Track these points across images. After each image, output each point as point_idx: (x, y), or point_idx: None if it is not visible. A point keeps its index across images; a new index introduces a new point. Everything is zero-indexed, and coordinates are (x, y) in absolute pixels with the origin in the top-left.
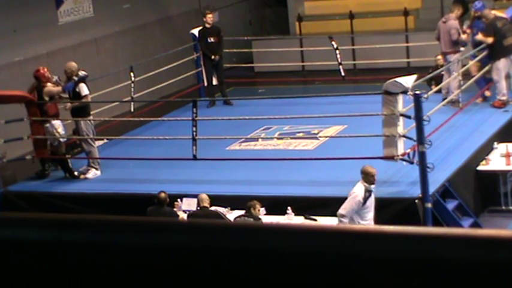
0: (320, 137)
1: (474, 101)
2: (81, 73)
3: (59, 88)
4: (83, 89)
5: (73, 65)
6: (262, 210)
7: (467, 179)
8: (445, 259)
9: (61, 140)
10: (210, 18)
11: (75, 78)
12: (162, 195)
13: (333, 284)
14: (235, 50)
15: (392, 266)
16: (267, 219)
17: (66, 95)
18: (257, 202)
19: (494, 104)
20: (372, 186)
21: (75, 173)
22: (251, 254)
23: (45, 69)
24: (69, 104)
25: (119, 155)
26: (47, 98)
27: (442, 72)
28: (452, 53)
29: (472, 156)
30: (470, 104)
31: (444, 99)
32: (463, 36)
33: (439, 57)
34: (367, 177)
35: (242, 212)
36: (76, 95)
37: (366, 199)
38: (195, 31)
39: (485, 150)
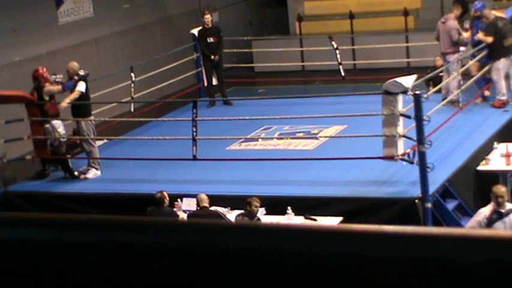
0: (320, 137)
1: (474, 101)
2: (82, 72)
3: (59, 87)
4: (79, 85)
5: (75, 64)
6: (262, 210)
7: (467, 179)
8: (445, 259)
9: (61, 140)
10: (207, 18)
11: (76, 77)
12: (158, 195)
13: (333, 284)
14: (235, 50)
15: (392, 266)
16: (267, 219)
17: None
18: (254, 199)
19: (494, 104)
20: (505, 207)
21: (75, 173)
22: (251, 254)
23: (44, 70)
24: (62, 104)
25: (119, 155)
26: (47, 98)
27: (441, 73)
28: (451, 53)
29: (472, 156)
30: (470, 104)
31: (444, 99)
32: (465, 35)
33: (438, 57)
34: (492, 197)
35: (241, 211)
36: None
37: (492, 221)
38: (195, 31)
39: (485, 150)
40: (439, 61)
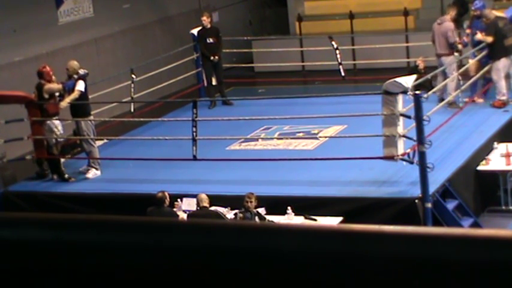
0: (320, 137)
1: (474, 101)
2: (82, 71)
3: (60, 86)
4: (78, 84)
5: (75, 63)
6: (262, 210)
7: (467, 179)
8: (445, 259)
9: (58, 140)
10: (204, 20)
11: (75, 76)
12: (159, 194)
13: (333, 284)
14: (235, 50)
15: (392, 266)
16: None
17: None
18: (246, 195)
19: (494, 104)
20: None
21: (66, 176)
22: (251, 254)
23: (50, 68)
24: (62, 103)
25: (119, 155)
26: (46, 96)
27: (430, 75)
28: (446, 55)
29: (472, 156)
30: (470, 104)
31: (440, 100)
32: (459, 46)
33: (419, 61)
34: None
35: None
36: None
37: None
38: (195, 31)
39: (485, 150)
40: (421, 63)
